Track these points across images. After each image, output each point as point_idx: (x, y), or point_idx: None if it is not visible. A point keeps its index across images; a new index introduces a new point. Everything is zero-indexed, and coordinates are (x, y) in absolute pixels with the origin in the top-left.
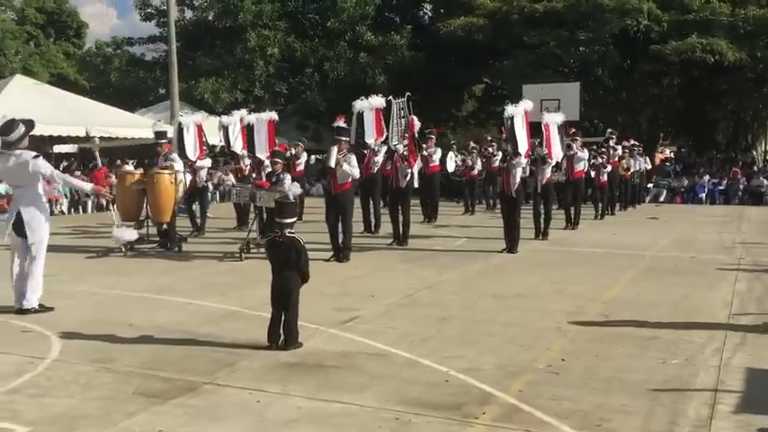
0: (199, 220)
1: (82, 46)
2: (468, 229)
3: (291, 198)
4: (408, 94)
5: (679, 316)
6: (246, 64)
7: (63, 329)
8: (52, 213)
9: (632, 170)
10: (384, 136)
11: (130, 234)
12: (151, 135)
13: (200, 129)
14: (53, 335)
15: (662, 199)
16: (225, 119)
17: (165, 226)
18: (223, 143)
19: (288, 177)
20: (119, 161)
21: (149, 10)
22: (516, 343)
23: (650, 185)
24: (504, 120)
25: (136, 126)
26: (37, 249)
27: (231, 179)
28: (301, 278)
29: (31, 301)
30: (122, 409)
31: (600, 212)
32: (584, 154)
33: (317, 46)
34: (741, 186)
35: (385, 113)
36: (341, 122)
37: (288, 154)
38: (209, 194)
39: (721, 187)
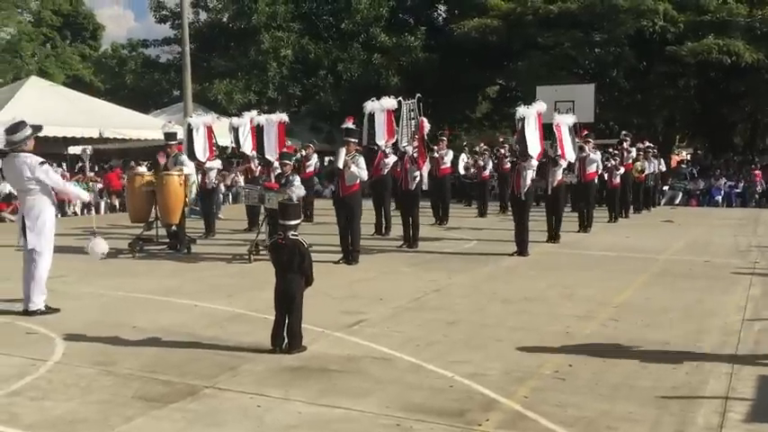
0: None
1: (98, 48)
2: (479, 231)
3: (295, 200)
4: (419, 95)
5: (691, 321)
6: (260, 65)
7: (67, 331)
8: (65, 215)
9: (646, 172)
10: (395, 138)
11: (103, 247)
12: None
13: (209, 130)
14: (57, 337)
15: (677, 201)
16: (235, 120)
17: (174, 227)
18: (234, 144)
19: (297, 179)
20: (132, 162)
21: (164, 12)
22: (523, 348)
23: (666, 188)
24: (516, 121)
25: (150, 128)
26: (39, 253)
27: (241, 180)
28: (305, 281)
29: (37, 303)
30: (121, 413)
31: (613, 215)
32: (597, 156)
33: (331, 48)
34: (759, 189)
35: (396, 115)
36: (349, 124)
37: (298, 155)
38: (221, 196)
39: (738, 190)
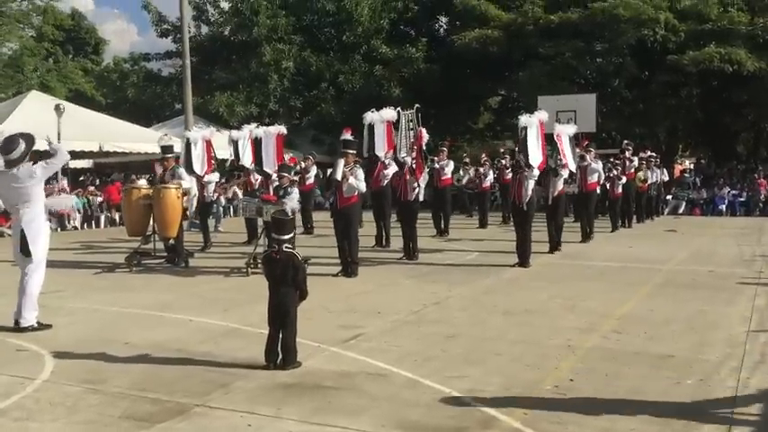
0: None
1: (100, 62)
2: (480, 242)
3: (289, 212)
4: (417, 105)
5: (695, 333)
6: (261, 78)
7: (58, 348)
8: (64, 228)
9: (649, 182)
10: (394, 147)
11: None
12: None
13: (208, 144)
14: (47, 354)
15: (681, 211)
16: (235, 133)
17: (171, 241)
18: (233, 157)
19: (295, 191)
20: (133, 176)
21: (166, 26)
22: (523, 362)
23: (669, 197)
24: (519, 130)
25: (150, 141)
26: (35, 267)
27: (239, 193)
28: (299, 295)
29: (29, 319)
30: None
31: (616, 225)
32: (599, 165)
33: (333, 60)
34: (762, 197)
35: (395, 125)
36: (347, 135)
37: (297, 167)
38: (222, 209)
39: (742, 199)
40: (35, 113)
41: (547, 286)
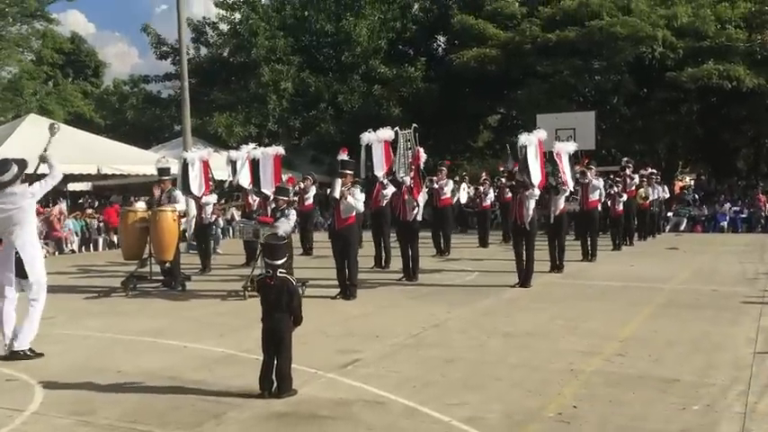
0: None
1: (100, 85)
2: (480, 262)
3: (281, 234)
4: (415, 125)
5: (699, 355)
6: (260, 98)
7: (48, 378)
8: (62, 252)
9: (650, 199)
10: (393, 168)
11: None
12: None
13: (205, 165)
14: (37, 384)
15: (682, 228)
16: (233, 154)
17: (167, 264)
18: (232, 178)
19: (293, 213)
20: (132, 198)
21: (165, 48)
22: (525, 387)
23: (670, 214)
24: (517, 149)
25: (149, 163)
26: (37, 291)
27: (237, 215)
28: (294, 320)
29: (23, 342)
30: None
31: (617, 243)
32: (600, 183)
33: (331, 80)
34: (764, 214)
35: (393, 145)
36: (344, 155)
37: (296, 188)
38: (220, 230)
39: (743, 215)
40: (33, 137)
41: (547, 307)
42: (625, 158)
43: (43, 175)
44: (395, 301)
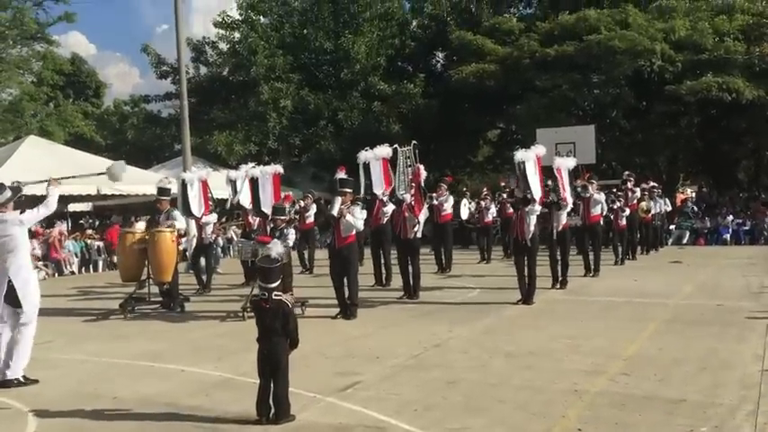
0: (204, 277)
1: (101, 105)
2: (482, 278)
3: (275, 256)
4: (414, 142)
5: (706, 374)
6: (260, 116)
7: (42, 405)
8: (61, 273)
9: (653, 212)
10: (392, 186)
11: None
12: None
13: (204, 184)
14: (30, 412)
15: (685, 241)
16: (233, 173)
17: (166, 286)
18: (233, 198)
19: (291, 232)
20: (132, 218)
21: (165, 68)
22: (528, 410)
23: (672, 227)
24: (515, 165)
25: (149, 182)
26: (30, 317)
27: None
28: (290, 343)
29: (16, 370)
30: None
31: (620, 258)
32: (601, 197)
33: (331, 97)
34: (767, 226)
35: (392, 162)
36: (342, 174)
37: (296, 206)
38: (220, 249)
39: (746, 227)
40: (33, 159)
41: (550, 325)
42: (626, 172)
43: (43, 197)
44: (395, 320)
